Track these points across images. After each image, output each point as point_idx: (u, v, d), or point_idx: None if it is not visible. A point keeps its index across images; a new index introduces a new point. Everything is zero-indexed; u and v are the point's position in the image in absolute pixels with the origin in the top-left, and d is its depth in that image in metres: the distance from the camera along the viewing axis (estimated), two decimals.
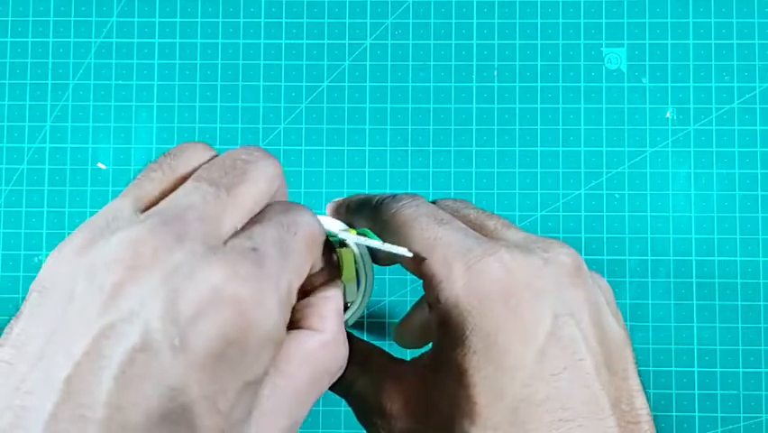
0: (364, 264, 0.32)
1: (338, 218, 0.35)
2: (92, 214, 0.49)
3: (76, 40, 0.48)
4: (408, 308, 0.43)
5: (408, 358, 0.28)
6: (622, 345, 0.25)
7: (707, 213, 0.47)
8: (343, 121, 0.47)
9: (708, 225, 0.46)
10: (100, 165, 0.47)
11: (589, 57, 0.47)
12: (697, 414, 0.45)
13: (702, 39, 0.47)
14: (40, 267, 0.51)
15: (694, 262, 0.46)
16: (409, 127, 0.47)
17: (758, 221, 0.46)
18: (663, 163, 0.47)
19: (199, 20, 0.48)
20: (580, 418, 0.22)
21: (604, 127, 0.47)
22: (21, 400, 0.18)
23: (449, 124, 0.47)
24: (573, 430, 0.22)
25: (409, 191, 0.47)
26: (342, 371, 0.25)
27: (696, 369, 0.46)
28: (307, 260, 0.23)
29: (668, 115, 0.47)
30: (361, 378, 0.28)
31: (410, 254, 0.26)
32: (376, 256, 0.30)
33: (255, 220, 0.22)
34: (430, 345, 0.27)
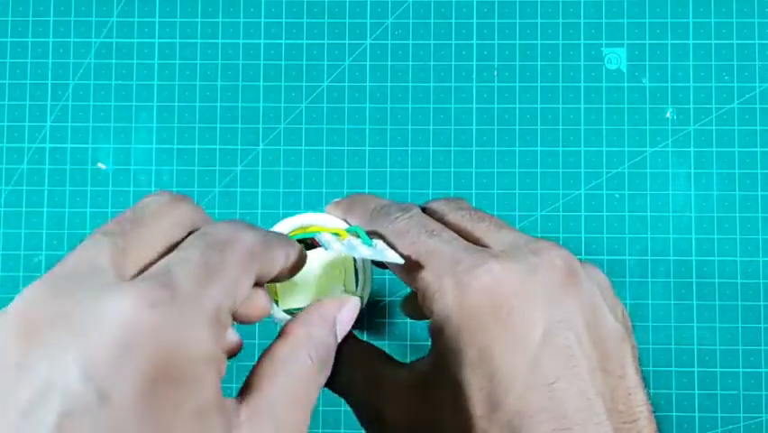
0: (363, 264, 0.32)
1: (337, 215, 0.35)
2: (92, 214, 0.49)
3: (76, 40, 0.48)
4: None
5: (406, 360, 0.28)
6: (619, 341, 0.24)
7: (707, 213, 0.47)
8: (343, 121, 0.47)
9: (708, 225, 0.46)
10: (100, 165, 0.47)
11: (589, 57, 0.47)
12: (697, 414, 0.45)
13: (702, 39, 0.47)
14: (40, 267, 0.51)
15: (694, 262, 0.46)
16: (409, 127, 0.47)
17: (758, 221, 0.46)
18: (663, 163, 0.47)
19: (199, 20, 0.48)
20: (576, 426, 0.22)
21: (604, 127, 0.47)
22: None
23: (449, 124, 0.47)
24: None
25: (409, 191, 0.47)
26: (329, 371, 0.25)
27: (696, 369, 0.46)
28: (242, 276, 0.22)
29: (668, 115, 0.47)
30: (359, 381, 0.27)
31: (401, 261, 0.26)
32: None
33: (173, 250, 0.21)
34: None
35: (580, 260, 0.26)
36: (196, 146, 0.47)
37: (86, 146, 0.47)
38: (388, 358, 0.28)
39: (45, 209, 0.47)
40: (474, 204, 0.47)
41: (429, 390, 0.25)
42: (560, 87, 0.47)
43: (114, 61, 0.48)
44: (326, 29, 0.48)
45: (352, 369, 0.27)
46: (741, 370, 0.46)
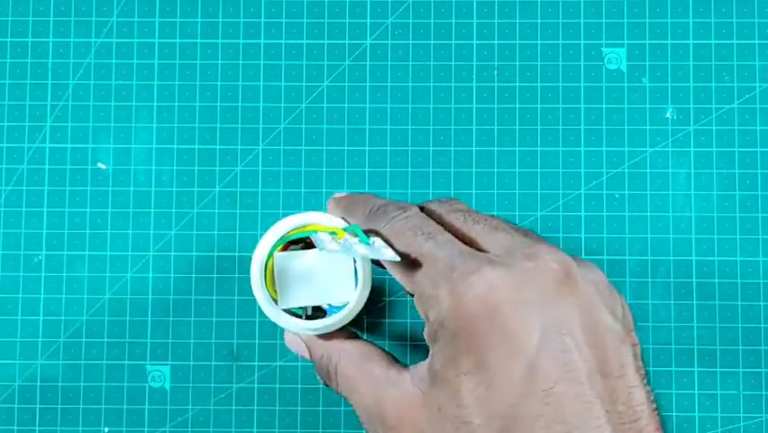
0: (363, 264, 0.32)
1: (337, 214, 0.35)
2: (92, 214, 0.49)
3: (76, 40, 0.48)
4: (409, 308, 0.43)
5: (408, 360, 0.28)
6: (617, 341, 0.24)
7: (707, 213, 0.47)
8: (343, 121, 0.47)
9: (708, 225, 0.46)
10: (100, 165, 0.47)
11: (589, 57, 0.47)
12: (697, 414, 0.45)
13: (702, 39, 0.47)
14: (40, 267, 0.51)
15: (694, 262, 0.46)
16: (409, 127, 0.47)
17: (758, 221, 0.46)
18: (663, 163, 0.47)
19: (199, 20, 0.48)
20: (575, 430, 0.22)
21: (604, 127, 0.47)
22: None
23: (449, 124, 0.47)
24: None
25: (409, 191, 0.47)
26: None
27: (696, 369, 0.46)
28: None
29: (668, 115, 0.47)
30: (362, 382, 0.27)
31: (397, 258, 0.26)
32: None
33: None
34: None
35: (577, 258, 0.26)
36: (196, 146, 0.47)
37: (86, 146, 0.47)
38: (392, 360, 0.28)
39: (45, 209, 0.47)
40: (474, 204, 0.47)
41: (429, 394, 0.25)
42: (560, 87, 0.47)
43: (114, 61, 0.48)
44: (326, 29, 0.48)
45: (355, 370, 0.27)
46: (741, 370, 0.46)
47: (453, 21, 0.48)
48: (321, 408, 0.46)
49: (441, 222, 0.28)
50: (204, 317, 0.46)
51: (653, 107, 0.47)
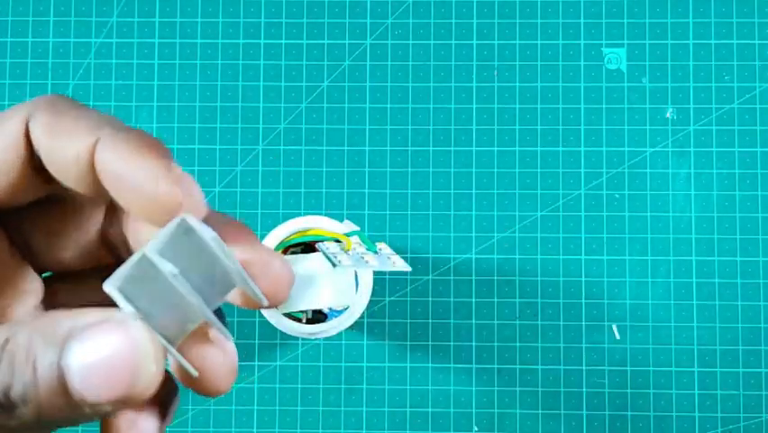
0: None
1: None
2: None
3: (76, 40, 0.48)
4: (408, 308, 0.43)
5: None
6: None
7: (707, 213, 0.47)
8: (343, 121, 0.47)
9: (708, 225, 0.46)
10: None
11: (589, 57, 0.47)
12: (697, 414, 0.45)
13: (702, 39, 0.47)
14: None
15: (694, 262, 0.46)
16: (409, 127, 0.47)
17: (758, 221, 0.46)
18: (663, 163, 0.47)
19: (199, 20, 0.48)
20: None
21: (604, 127, 0.47)
22: None
23: (449, 124, 0.47)
24: None
25: (409, 191, 0.47)
26: None
27: (696, 369, 0.46)
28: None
29: (668, 115, 0.47)
30: None
31: (409, 268, 0.26)
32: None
33: None
34: None
35: None
36: (196, 146, 0.47)
37: None
38: None
39: None
40: (474, 204, 0.47)
41: None
42: (560, 87, 0.47)
43: (114, 61, 0.48)
44: (326, 29, 0.48)
45: None
46: (741, 370, 0.46)
47: (453, 21, 0.48)
48: (321, 408, 0.46)
49: None
50: None
51: (653, 107, 0.47)
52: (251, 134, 0.47)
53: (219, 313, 0.18)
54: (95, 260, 0.20)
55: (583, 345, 0.46)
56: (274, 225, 0.36)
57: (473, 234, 0.47)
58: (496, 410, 0.46)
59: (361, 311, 0.32)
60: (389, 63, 0.48)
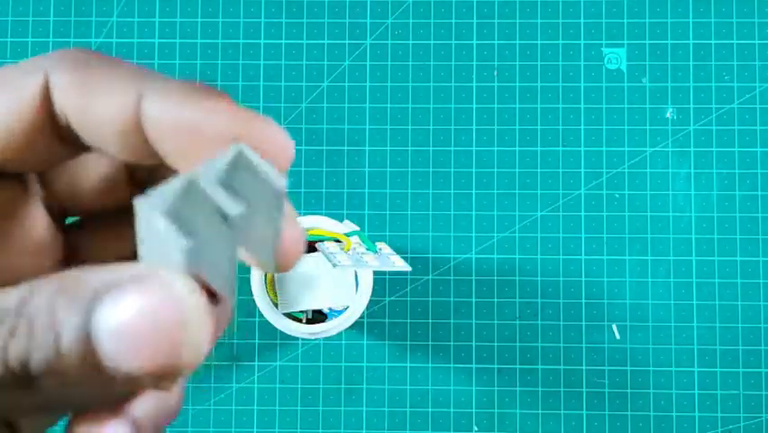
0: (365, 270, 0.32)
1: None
2: None
3: (76, 40, 0.48)
4: (408, 308, 0.43)
5: None
6: None
7: (707, 213, 0.47)
8: (343, 121, 0.47)
9: (708, 225, 0.46)
10: None
11: (589, 57, 0.47)
12: (697, 414, 0.45)
13: (702, 39, 0.47)
14: None
15: (694, 262, 0.46)
16: (409, 127, 0.47)
17: (758, 221, 0.46)
18: (663, 163, 0.47)
19: (199, 20, 0.48)
20: None
21: (604, 127, 0.47)
22: None
23: (449, 124, 0.47)
24: None
25: (409, 191, 0.47)
26: None
27: (696, 369, 0.46)
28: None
29: (668, 115, 0.47)
30: None
31: (409, 268, 0.26)
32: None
33: None
34: None
35: None
36: None
37: None
38: None
39: None
40: (474, 204, 0.47)
41: None
42: (560, 87, 0.47)
43: None
44: (326, 29, 0.48)
45: None
46: (741, 370, 0.46)
47: (453, 21, 0.48)
48: (321, 408, 0.46)
49: None
50: None
51: (653, 107, 0.47)
52: None
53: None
54: (121, 198, 0.17)
55: (583, 345, 0.46)
56: None
57: (473, 234, 0.47)
58: (496, 410, 0.46)
59: (361, 311, 0.32)
60: (389, 63, 0.48)
